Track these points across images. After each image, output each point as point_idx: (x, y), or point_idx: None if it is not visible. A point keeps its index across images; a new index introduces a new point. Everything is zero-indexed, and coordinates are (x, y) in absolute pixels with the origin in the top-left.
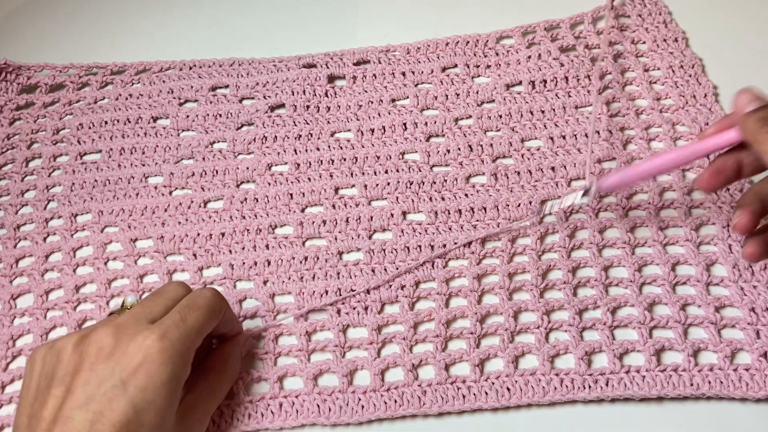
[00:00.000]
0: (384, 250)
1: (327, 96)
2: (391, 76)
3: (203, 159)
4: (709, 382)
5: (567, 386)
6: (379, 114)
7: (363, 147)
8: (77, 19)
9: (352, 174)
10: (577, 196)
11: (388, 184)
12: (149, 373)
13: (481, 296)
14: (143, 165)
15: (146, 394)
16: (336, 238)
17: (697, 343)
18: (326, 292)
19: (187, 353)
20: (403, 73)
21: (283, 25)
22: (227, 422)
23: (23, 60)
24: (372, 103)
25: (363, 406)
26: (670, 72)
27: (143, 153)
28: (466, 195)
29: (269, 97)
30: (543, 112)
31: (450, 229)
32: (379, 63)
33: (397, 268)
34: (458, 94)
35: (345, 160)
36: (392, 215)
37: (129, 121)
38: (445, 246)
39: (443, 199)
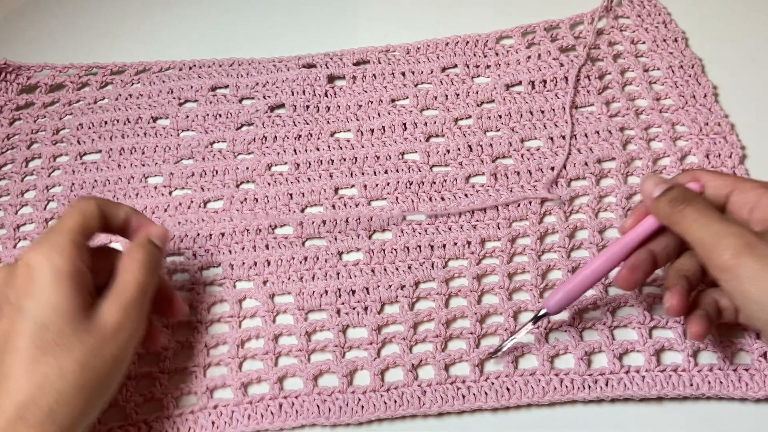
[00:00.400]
0: (384, 250)
1: (327, 96)
2: (390, 76)
3: (203, 159)
4: (709, 383)
5: (567, 386)
6: (378, 114)
7: (363, 147)
8: (77, 19)
9: (351, 174)
10: (528, 325)
11: (388, 184)
12: (33, 280)
13: (480, 296)
14: (143, 165)
15: (37, 302)
16: (336, 238)
17: (696, 343)
18: (326, 292)
19: (64, 249)
20: (403, 73)
21: (283, 25)
22: (227, 423)
23: (23, 60)
24: (372, 103)
25: (363, 407)
26: (670, 72)
27: (143, 153)
28: (466, 195)
29: (269, 97)
30: (543, 112)
31: (450, 229)
32: (379, 63)
33: (397, 269)
34: (458, 94)
35: (345, 160)
36: (392, 215)
37: (129, 121)
38: (444, 246)
39: (443, 199)
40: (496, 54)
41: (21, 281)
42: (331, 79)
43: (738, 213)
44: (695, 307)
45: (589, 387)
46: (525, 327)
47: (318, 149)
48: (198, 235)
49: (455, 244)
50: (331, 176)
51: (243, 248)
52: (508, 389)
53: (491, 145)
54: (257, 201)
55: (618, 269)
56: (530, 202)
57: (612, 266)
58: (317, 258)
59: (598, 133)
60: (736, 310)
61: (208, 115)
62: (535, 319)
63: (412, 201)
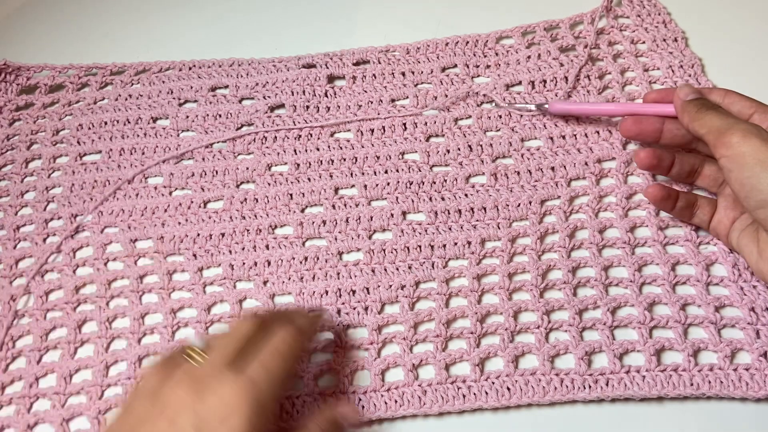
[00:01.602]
0: (384, 251)
1: (327, 96)
2: (390, 76)
3: (203, 159)
4: (709, 382)
5: (567, 386)
6: (378, 114)
7: (363, 147)
8: (77, 19)
9: (351, 174)
10: (530, 107)
11: (388, 184)
12: (232, 428)
13: (481, 296)
14: (143, 165)
15: None
16: (336, 239)
17: (697, 343)
18: (326, 292)
19: (271, 405)
20: (403, 73)
21: (283, 25)
22: None
23: (23, 60)
24: (372, 103)
25: (363, 407)
26: (670, 72)
27: (143, 153)
28: (466, 195)
29: (269, 97)
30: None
31: (450, 229)
32: (379, 63)
33: (398, 269)
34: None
35: (345, 160)
36: (392, 215)
37: (129, 122)
38: (444, 246)
39: (443, 199)
40: (496, 54)
41: (215, 417)
42: (331, 79)
43: None
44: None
45: (590, 387)
46: (526, 106)
47: (318, 149)
48: (198, 235)
49: (455, 244)
50: (331, 176)
51: (243, 248)
52: (508, 389)
53: (491, 145)
54: (257, 201)
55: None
56: (530, 202)
57: (620, 112)
58: (317, 258)
59: (598, 133)
60: (711, 216)
61: (208, 115)
62: (537, 106)
63: (412, 201)
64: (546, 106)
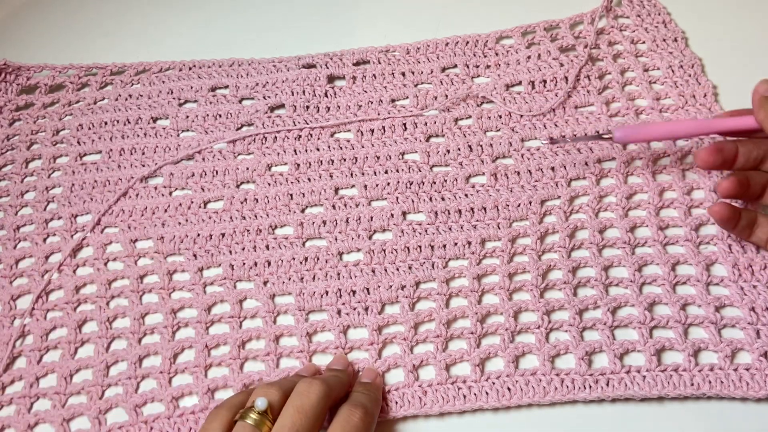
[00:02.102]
0: (384, 251)
1: (327, 96)
2: (390, 76)
3: (203, 159)
4: (710, 382)
5: (567, 386)
6: (378, 114)
7: (363, 147)
8: (77, 19)
9: (352, 174)
10: (591, 136)
11: (388, 184)
12: None
13: (481, 296)
14: (143, 165)
15: None
16: (336, 239)
17: (697, 342)
18: (326, 292)
19: None
20: (403, 73)
21: (283, 25)
22: None
23: (23, 60)
24: (372, 103)
25: None
26: (670, 72)
27: (143, 153)
28: (466, 195)
29: (269, 97)
30: (543, 112)
31: (450, 229)
32: (379, 63)
33: (398, 269)
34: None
35: (345, 160)
36: (392, 215)
37: (129, 122)
38: (445, 246)
39: (443, 199)
40: (496, 54)
41: None
42: (331, 79)
43: None
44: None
45: (590, 387)
46: (588, 137)
47: (318, 149)
48: (198, 235)
49: (455, 244)
50: (331, 176)
51: (243, 249)
52: (509, 389)
53: (491, 145)
54: (257, 201)
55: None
56: (530, 202)
57: (695, 132)
58: (318, 258)
59: (598, 133)
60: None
61: (208, 115)
62: (598, 136)
63: (413, 201)
64: (609, 136)
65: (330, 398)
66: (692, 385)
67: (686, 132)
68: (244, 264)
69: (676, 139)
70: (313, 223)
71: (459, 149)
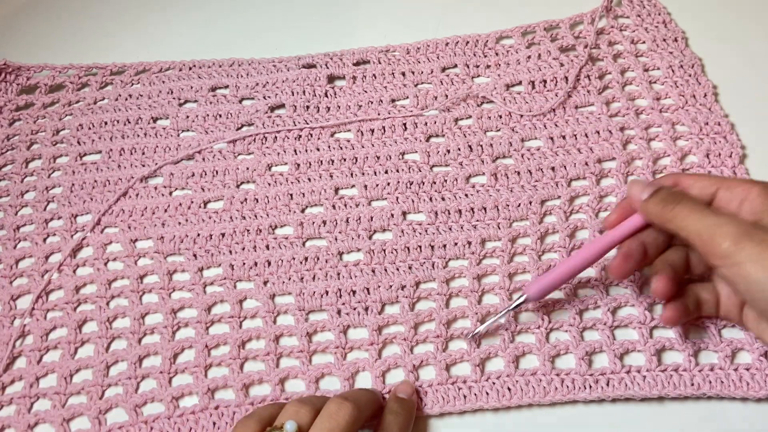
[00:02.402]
0: (384, 251)
1: (327, 96)
2: (390, 76)
3: (203, 159)
4: (710, 382)
5: (568, 386)
6: (378, 114)
7: (363, 147)
8: (77, 19)
9: (352, 174)
10: (509, 307)
11: (388, 184)
12: None
13: (481, 296)
14: (143, 165)
15: None
16: (336, 239)
17: (697, 342)
18: (326, 292)
19: None
20: (403, 73)
21: (283, 25)
22: (228, 424)
23: (23, 60)
24: (372, 103)
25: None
26: (670, 72)
27: (143, 153)
28: (466, 195)
29: (269, 97)
30: (543, 112)
31: (450, 229)
32: (379, 63)
33: (398, 269)
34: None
35: (345, 160)
36: (392, 215)
37: (129, 122)
38: (445, 246)
39: (443, 199)
40: (496, 54)
41: None
42: (331, 79)
43: (726, 209)
44: (677, 298)
45: (590, 387)
46: (504, 311)
47: (318, 149)
48: (198, 235)
49: (455, 244)
50: (331, 176)
51: (243, 248)
52: (509, 389)
53: (491, 145)
54: (257, 201)
55: (611, 261)
56: (530, 202)
57: (595, 259)
58: (318, 258)
59: (598, 133)
60: (717, 304)
61: (208, 115)
62: (516, 306)
63: (413, 201)
64: (524, 297)
65: (360, 420)
66: (692, 385)
67: (588, 261)
68: (244, 264)
69: (579, 273)
70: (313, 223)
71: (459, 149)
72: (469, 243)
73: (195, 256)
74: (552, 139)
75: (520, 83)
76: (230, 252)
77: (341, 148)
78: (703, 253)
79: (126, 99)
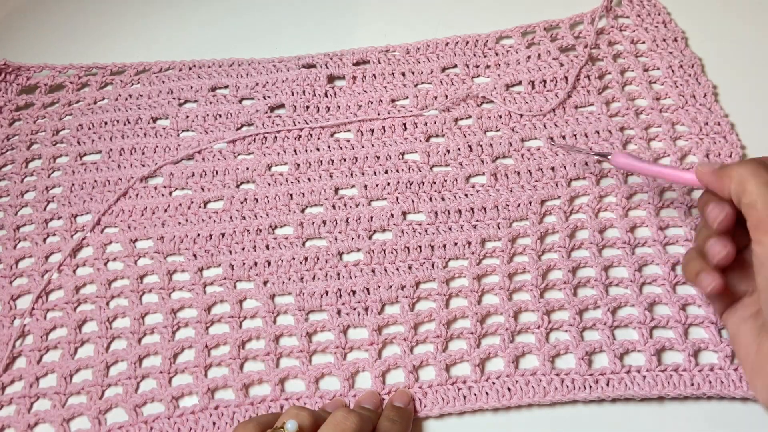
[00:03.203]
0: (384, 251)
1: (327, 96)
2: (390, 76)
3: (203, 159)
4: (710, 382)
5: (567, 386)
6: (378, 114)
7: (363, 147)
8: (77, 19)
9: (352, 174)
10: (593, 153)
11: (388, 184)
12: None
13: (481, 296)
14: (143, 165)
15: None
16: (336, 239)
17: (697, 342)
18: (326, 292)
19: None
20: (403, 73)
21: (283, 25)
22: (228, 424)
23: (23, 60)
24: (372, 103)
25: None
26: (670, 72)
27: (143, 153)
28: (466, 195)
29: (269, 97)
30: (543, 112)
31: (450, 229)
32: (379, 63)
33: (398, 269)
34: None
35: (345, 160)
36: (392, 215)
37: (129, 122)
38: (445, 246)
39: (443, 199)
40: (496, 54)
41: None
42: (331, 79)
43: None
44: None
45: (590, 387)
46: (587, 152)
47: (318, 149)
48: (198, 235)
49: (455, 244)
50: (331, 176)
51: (243, 248)
52: (509, 389)
53: (491, 145)
54: (257, 201)
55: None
56: (530, 202)
57: (677, 180)
58: (317, 258)
59: (598, 133)
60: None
61: (208, 115)
62: (598, 156)
63: (412, 201)
64: (610, 156)
65: None
66: (692, 385)
67: (671, 176)
68: (244, 264)
69: (659, 177)
70: (313, 223)
71: (459, 149)
72: (469, 243)
73: (195, 256)
74: (552, 139)
75: (520, 83)
76: (230, 252)
77: (341, 148)
78: (753, 222)
79: (126, 99)
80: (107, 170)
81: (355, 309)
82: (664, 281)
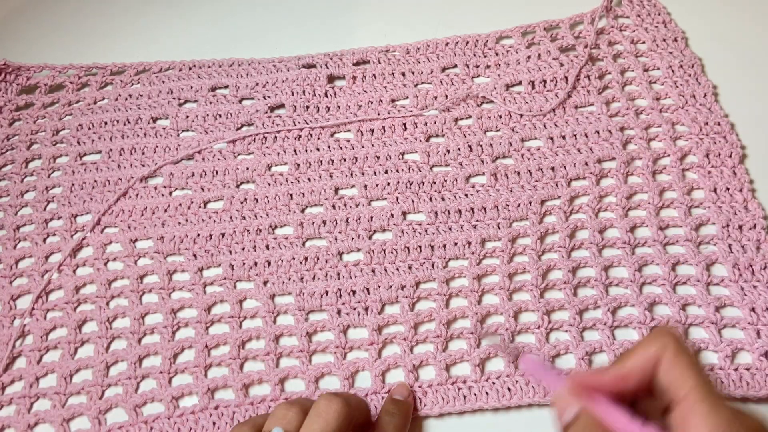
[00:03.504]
0: (384, 251)
1: (327, 96)
2: (390, 76)
3: (203, 159)
4: None
5: None
6: (378, 114)
7: (363, 147)
8: (77, 19)
9: (352, 174)
10: (507, 351)
11: (388, 184)
12: None
13: (481, 296)
14: (143, 165)
15: None
16: (336, 239)
17: (697, 342)
18: (326, 292)
19: None
20: (403, 73)
21: (283, 25)
22: (228, 424)
23: (23, 60)
24: (372, 103)
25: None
26: (670, 72)
27: (143, 153)
28: (466, 195)
29: (269, 97)
30: (543, 112)
31: (450, 229)
32: (379, 63)
33: (398, 269)
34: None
35: (345, 160)
36: (392, 215)
37: (129, 122)
38: (445, 246)
39: (443, 199)
40: (496, 54)
41: None
42: (331, 79)
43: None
44: None
45: None
46: (502, 352)
47: (318, 149)
48: (198, 235)
49: (455, 244)
50: (331, 176)
51: (243, 248)
52: (509, 389)
53: (491, 145)
54: (257, 201)
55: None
56: (530, 202)
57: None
58: (317, 258)
59: (598, 133)
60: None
61: (208, 115)
62: (514, 359)
63: (412, 201)
64: (520, 358)
65: (351, 417)
66: None
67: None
68: (244, 264)
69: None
70: (313, 223)
71: (459, 149)
72: (469, 243)
73: (195, 256)
74: (552, 139)
75: (520, 83)
76: (230, 252)
77: (341, 148)
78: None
79: (126, 99)
80: (107, 170)
81: (355, 309)
82: (664, 281)
